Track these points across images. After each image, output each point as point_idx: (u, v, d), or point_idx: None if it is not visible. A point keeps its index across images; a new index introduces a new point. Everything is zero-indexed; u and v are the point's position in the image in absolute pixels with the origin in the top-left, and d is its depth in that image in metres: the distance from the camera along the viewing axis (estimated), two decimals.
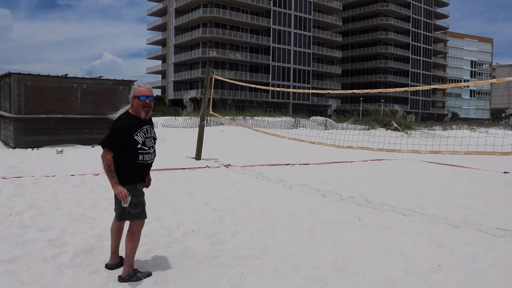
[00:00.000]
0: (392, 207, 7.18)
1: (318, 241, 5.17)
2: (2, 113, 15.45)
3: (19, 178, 8.25)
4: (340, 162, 13.57)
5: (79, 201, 6.68)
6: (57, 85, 14.67)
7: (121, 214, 3.88)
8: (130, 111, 3.95)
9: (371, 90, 7.74)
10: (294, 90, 9.16)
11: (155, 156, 4.08)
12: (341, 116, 59.43)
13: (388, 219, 6.35)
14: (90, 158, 11.71)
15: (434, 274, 4.24)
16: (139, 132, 3.87)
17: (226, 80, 12.21)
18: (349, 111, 65.31)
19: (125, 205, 3.71)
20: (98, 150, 3.73)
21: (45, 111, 14.49)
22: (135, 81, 16.04)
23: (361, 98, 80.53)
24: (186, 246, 4.79)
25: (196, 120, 30.49)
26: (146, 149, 3.91)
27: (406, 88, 7.50)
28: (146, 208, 3.97)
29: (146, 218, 3.97)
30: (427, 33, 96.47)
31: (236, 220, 6.01)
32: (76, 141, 15.10)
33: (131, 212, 3.83)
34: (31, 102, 14.23)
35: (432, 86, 7.24)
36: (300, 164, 12.52)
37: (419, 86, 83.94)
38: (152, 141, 4.03)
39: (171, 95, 75.97)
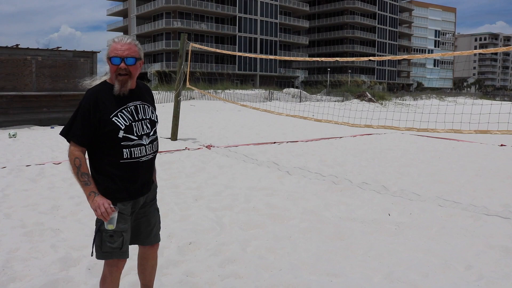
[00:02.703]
0: (417, 195, 6.09)
1: (355, 253, 4.00)
2: None
3: None
4: (328, 138, 12.50)
5: (36, 203, 5.25)
6: (7, 58, 12.79)
7: (97, 249, 2.47)
8: (108, 80, 2.54)
9: (340, 58, 6.93)
10: (265, 57, 8.15)
11: (156, 149, 2.66)
12: (308, 87, 58.28)
13: (422, 213, 5.24)
14: (49, 142, 10.12)
15: None
16: (120, 112, 2.47)
17: (202, 48, 10.77)
18: (319, 82, 64.29)
19: (111, 227, 2.32)
20: (58, 131, 2.94)
21: None
22: (98, 52, 14.14)
23: (329, 69, 79.68)
24: (187, 272, 3.50)
25: (165, 94, 28.67)
26: (135, 139, 2.50)
27: (376, 58, 6.87)
28: (128, 237, 2.52)
29: (127, 257, 2.55)
30: (393, 2, 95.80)
31: (240, 223, 4.76)
32: (32, 121, 13.35)
33: (102, 247, 2.45)
34: None
35: (400, 57, 6.62)
36: (287, 142, 11.40)
37: (386, 56, 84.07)
38: (147, 126, 2.59)
39: None
